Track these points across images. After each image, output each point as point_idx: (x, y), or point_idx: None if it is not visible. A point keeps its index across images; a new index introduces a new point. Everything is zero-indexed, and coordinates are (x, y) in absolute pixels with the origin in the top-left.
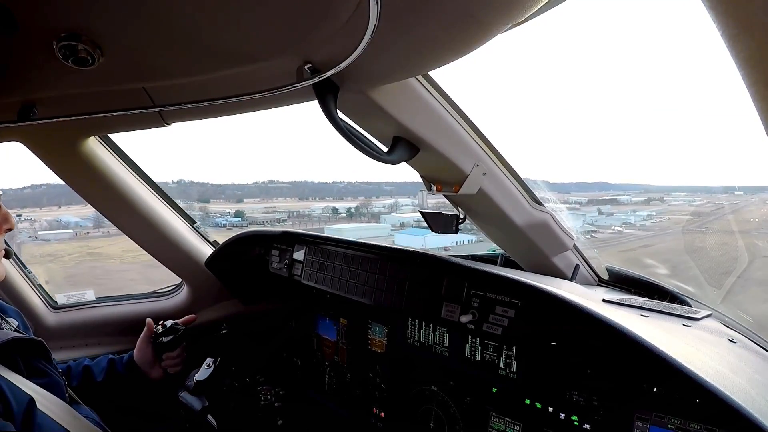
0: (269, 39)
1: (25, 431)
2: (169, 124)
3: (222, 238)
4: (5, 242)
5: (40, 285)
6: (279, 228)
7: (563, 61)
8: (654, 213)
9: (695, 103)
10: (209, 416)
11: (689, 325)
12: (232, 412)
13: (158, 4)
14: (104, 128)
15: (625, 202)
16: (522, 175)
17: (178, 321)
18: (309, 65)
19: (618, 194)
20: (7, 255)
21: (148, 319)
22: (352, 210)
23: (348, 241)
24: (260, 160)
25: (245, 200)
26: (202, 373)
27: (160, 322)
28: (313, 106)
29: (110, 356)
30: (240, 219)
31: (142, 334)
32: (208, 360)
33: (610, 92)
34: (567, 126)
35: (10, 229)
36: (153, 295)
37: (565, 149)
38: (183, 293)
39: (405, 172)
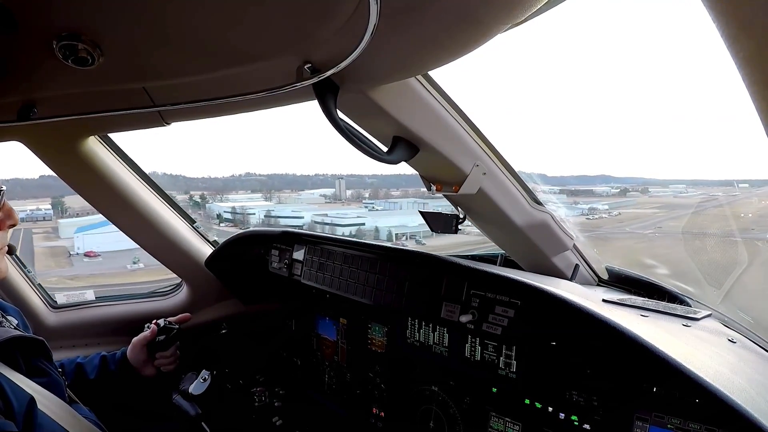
0: (269, 39)
1: (26, 431)
2: (168, 123)
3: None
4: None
5: (39, 285)
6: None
7: (568, 60)
8: (606, 206)
9: (704, 99)
10: (203, 424)
11: (689, 325)
12: (226, 416)
13: (158, 4)
14: (104, 128)
15: (601, 193)
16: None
17: (171, 319)
18: (309, 65)
19: (594, 186)
20: (11, 251)
21: (153, 326)
22: (197, 199)
23: (348, 240)
24: (249, 153)
25: (191, 192)
26: (197, 386)
27: (154, 321)
28: (313, 105)
29: (102, 353)
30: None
31: (140, 336)
32: (204, 373)
33: (616, 89)
34: (572, 122)
35: (13, 225)
36: (153, 294)
37: (569, 144)
38: (183, 293)
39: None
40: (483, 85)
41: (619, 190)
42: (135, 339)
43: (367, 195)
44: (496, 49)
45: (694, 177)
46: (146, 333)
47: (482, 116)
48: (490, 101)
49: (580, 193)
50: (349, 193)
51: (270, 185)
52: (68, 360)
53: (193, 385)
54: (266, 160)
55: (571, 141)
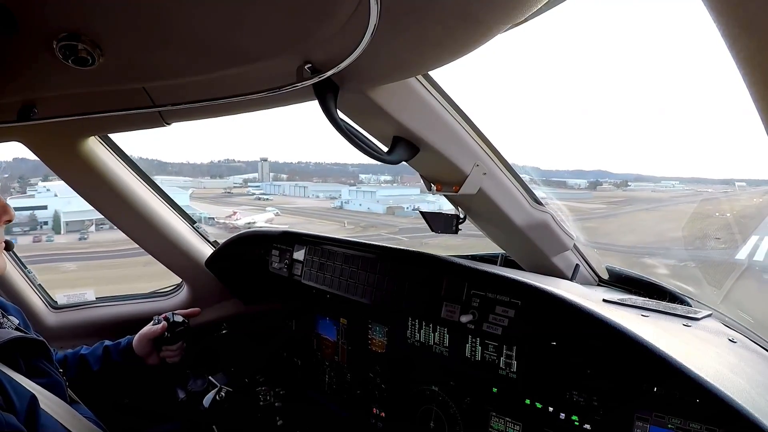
0: (269, 39)
1: (29, 429)
2: (169, 123)
3: None
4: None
5: (40, 285)
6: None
7: (568, 59)
8: (543, 195)
9: (706, 99)
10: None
11: (689, 325)
12: (231, 413)
13: (158, 4)
14: (104, 128)
15: (572, 185)
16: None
17: (180, 312)
18: (309, 65)
19: (567, 178)
20: (8, 247)
21: (164, 323)
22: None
23: (348, 240)
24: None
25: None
26: (209, 400)
27: (163, 315)
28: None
29: (106, 343)
30: None
31: (149, 330)
32: (222, 390)
33: (620, 88)
34: (576, 120)
35: (9, 221)
36: (153, 295)
37: (572, 141)
38: (183, 293)
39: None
40: (484, 83)
41: (588, 183)
42: (143, 332)
43: (285, 177)
44: (496, 50)
45: (696, 175)
46: (156, 328)
47: (483, 113)
48: (491, 99)
49: (552, 183)
50: (272, 175)
51: (244, 171)
52: (72, 352)
53: (207, 397)
54: (251, 147)
55: (574, 138)
